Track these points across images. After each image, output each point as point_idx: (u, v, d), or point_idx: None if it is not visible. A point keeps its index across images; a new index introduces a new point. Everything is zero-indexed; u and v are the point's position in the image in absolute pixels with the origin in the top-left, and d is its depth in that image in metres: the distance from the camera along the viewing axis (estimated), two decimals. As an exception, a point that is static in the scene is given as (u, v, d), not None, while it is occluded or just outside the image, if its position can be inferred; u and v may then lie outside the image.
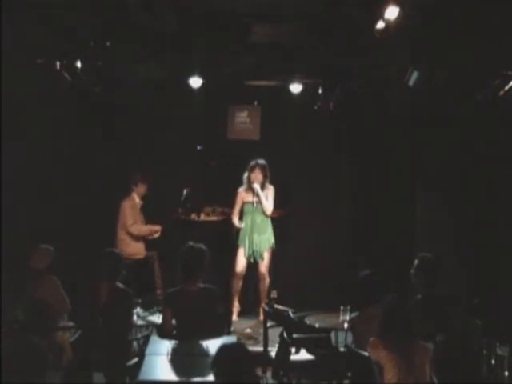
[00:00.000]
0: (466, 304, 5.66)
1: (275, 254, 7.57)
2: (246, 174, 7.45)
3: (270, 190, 7.44)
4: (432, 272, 5.09)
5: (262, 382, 4.96)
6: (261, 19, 6.51)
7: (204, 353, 4.45)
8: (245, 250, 7.39)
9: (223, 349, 3.52)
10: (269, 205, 7.39)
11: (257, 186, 7.33)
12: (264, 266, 7.43)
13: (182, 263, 5.15)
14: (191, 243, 5.24)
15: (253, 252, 7.38)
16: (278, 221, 7.62)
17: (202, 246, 5.21)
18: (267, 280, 7.45)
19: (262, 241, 7.39)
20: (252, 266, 7.48)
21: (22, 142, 7.22)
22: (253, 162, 7.40)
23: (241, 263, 7.42)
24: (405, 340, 4.07)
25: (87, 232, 7.70)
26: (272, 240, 7.46)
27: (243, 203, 7.49)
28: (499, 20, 5.58)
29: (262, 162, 7.41)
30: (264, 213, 7.41)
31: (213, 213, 7.98)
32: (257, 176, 7.37)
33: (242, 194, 7.49)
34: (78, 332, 5.30)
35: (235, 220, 7.54)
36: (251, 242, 7.37)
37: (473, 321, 5.04)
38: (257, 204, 7.37)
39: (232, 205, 7.55)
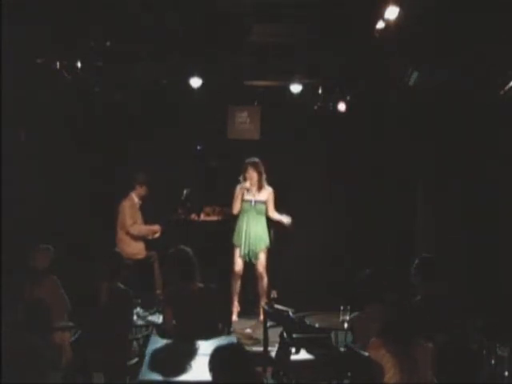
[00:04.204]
0: (466, 304, 5.65)
1: (275, 254, 7.57)
2: (241, 176, 7.41)
3: (271, 194, 7.41)
4: (432, 272, 5.08)
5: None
6: (261, 19, 6.51)
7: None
8: (240, 249, 7.38)
9: (218, 350, 3.51)
10: (273, 213, 7.40)
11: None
12: (261, 265, 7.42)
13: (178, 267, 5.19)
14: (179, 246, 5.31)
15: (248, 252, 7.37)
16: (277, 221, 7.61)
17: (184, 246, 5.31)
18: (265, 279, 7.45)
19: (258, 240, 7.38)
20: (249, 265, 7.48)
21: (22, 142, 7.23)
22: (245, 163, 7.37)
23: (238, 263, 7.42)
24: (407, 340, 4.06)
25: (87, 232, 7.70)
26: (267, 240, 7.45)
27: (242, 200, 7.44)
28: (499, 20, 5.57)
29: (252, 160, 7.37)
30: (261, 212, 7.40)
31: (213, 213, 7.98)
32: (251, 175, 7.32)
33: (241, 191, 7.41)
34: (78, 332, 5.30)
35: (235, 210, 7.45)
36: (247, 241, 7.36)
37: (473, 321, 5.05)
38: (254, 203, 7.36)
39: (231, 204, 7.52)
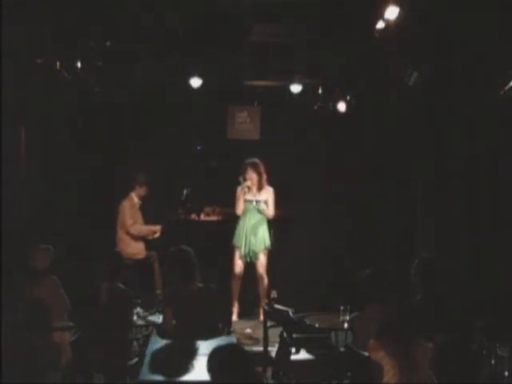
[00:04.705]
0: (466, 304, 5.65)
1: (275, 254, 7.56)
2: (241, 177, 7.41)
3: (270, 193, 7.41)
4: (431, 272, 5.08)
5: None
6: (261, 19, 6.51)
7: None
8: (240, 250, 7.37)
9: (216, 350, 3.51)
10: (269, 211, 7.38)
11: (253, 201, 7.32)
12: (261, 266, 7.42)
13: (178, 267, 5.19)
14: (180, 246, 5.31)
15: (249, 251, 7.37)
16: (277, 221, 7.62)
17: (185, 246, 5.31)
18: (265, 280, 7.44)
19: (258, 241, 7.37)
20: (250, 267, 7.48)
21: (21, 143, 7.23)
22: (244, 164, 7.36)
23: (238, 265, 7.42)
24: (405, 340, 4.06)
25: (87, 232, 7.70)
26: (268, 241, 7.44)
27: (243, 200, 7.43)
28: (499, 20, 5.57)
29: (251, 160, 7.37)
30: (261, 213, 7.39)
31: (213, 213, 7.98)
32: (251, 176, 7.32)
33: (242, 191, 7.41)
34: (78, 332, 5.30)
35: (239, 211, 7.43)
36: (248, 241, 7.35)
37: (473, 321, 5.05)
38: (256, 203, 7.36)
39: (232, 204, 7.50)
